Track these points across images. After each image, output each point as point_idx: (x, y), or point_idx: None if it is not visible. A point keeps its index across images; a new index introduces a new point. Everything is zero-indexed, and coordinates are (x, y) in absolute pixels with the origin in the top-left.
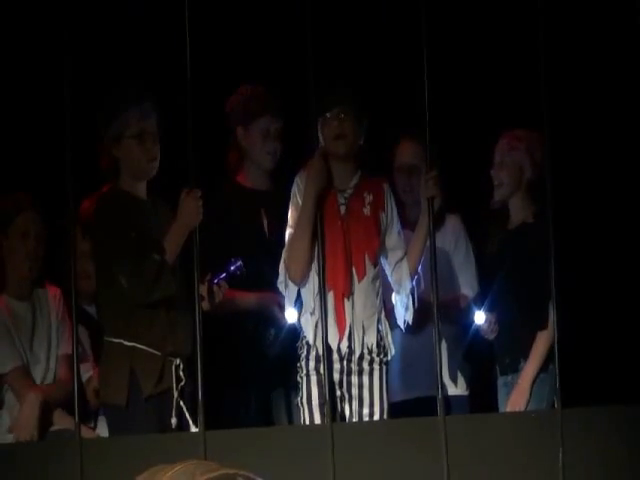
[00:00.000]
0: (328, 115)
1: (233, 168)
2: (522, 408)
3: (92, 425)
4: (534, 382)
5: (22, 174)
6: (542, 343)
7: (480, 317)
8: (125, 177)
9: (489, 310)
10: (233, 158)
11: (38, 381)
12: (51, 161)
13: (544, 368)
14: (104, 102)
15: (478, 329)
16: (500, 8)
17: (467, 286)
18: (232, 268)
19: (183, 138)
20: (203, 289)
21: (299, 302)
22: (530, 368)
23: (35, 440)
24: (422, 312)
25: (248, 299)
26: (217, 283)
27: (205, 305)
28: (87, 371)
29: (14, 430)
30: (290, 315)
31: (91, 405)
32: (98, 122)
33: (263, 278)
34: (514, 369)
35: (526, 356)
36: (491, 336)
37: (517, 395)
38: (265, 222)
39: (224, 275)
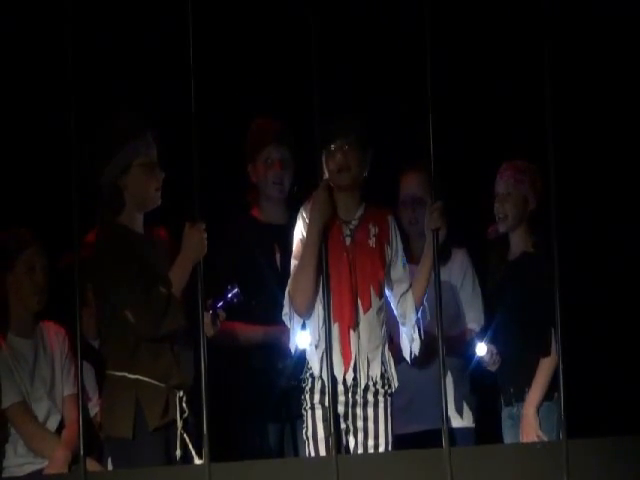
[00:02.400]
0: (332, 147)
1: (250, 204)
2: (535, 436)
3: (99, 458)
4: (538, 410)
5: (22, 210)
6: (544, 371)
7: (482, 349)
8: (129, 209)
9: (492, 341)
10: (251, 197)
11: (41, 419)
12: (52, 197)
13: (549, 396)
14: (104, 134)
15: (480, 361)
16: (502, 41)
17: (473, 321)
18: (229, 295)
19: (183, 170)
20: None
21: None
22: (534, 396)
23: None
24: (428, 346)
25: (256, 332)
26: (215, 311)
27: (206, 332)
28: (94, 407)
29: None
30: (295, 347)
31: (100, 439)
32: (96, 156)
33: (273, 311)
34: (519, 398)
35: (530, 385)
36: (493, 368)
37: (526, 426)
38: (277, 256)
39: (221, 303)
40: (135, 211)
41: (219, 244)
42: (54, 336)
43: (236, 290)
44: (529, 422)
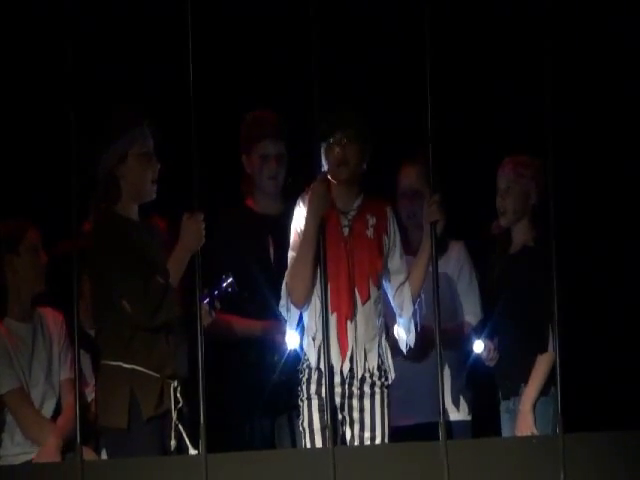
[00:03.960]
0: (331, 141)
1: (245, 195)
2: (529, 432)
3: (95, 447)
4: (534, 405)
5: (19, 199)
6: (542, 366)
7: (479, 346)
8: (125, 199)
9: (490, 335)
10: (245, 187)
11: (37, 404)
12: (48, 187)
13: (545, 391)
14: (102, 124)
15: (478, 357)
16: (503, 35)
17: (470, 313)
18: (224, 285)
19: (181, 161)
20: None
21: (301, 325)
22: (530, 391)
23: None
24: (425, 339)
25: (251, 325)
26: (210, 301)
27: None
28: (89, 394)
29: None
30: (292, 339)
31: (95, 427)
32: (94, 145)
33: (268, 304)
34: (515, 393)
35: (527, 379)
36: (491, 363)
37: (521, 421)
38: (271, 249)
39: (216, 293)
40: (131, 202)
41: (213, 234)
42: (52, 321)
43: (230, 280)
44: (525, 418)
